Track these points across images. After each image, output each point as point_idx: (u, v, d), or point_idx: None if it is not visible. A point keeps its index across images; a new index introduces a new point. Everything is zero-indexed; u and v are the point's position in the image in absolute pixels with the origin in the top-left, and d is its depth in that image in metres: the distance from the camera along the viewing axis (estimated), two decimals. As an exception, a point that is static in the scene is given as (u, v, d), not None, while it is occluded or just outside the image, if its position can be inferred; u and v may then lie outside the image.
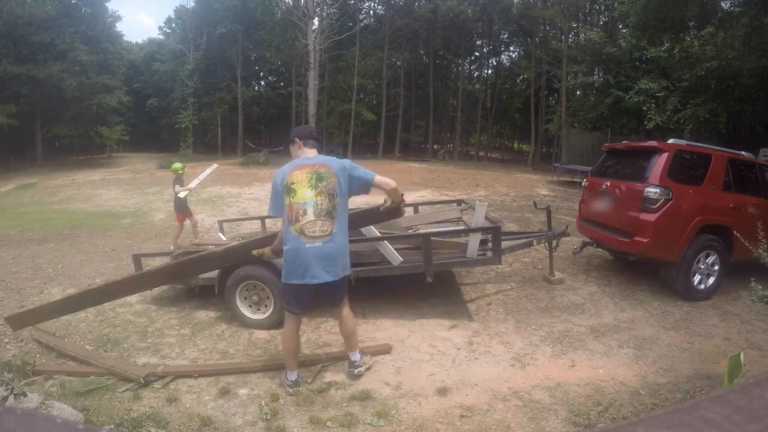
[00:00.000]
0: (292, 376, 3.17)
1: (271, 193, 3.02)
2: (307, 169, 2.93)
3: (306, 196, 2.85)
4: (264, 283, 4.11)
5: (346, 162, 3.08)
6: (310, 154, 3.09)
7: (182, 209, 7.30)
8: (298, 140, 3.11)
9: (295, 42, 30.25)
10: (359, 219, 3.70)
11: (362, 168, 3.09)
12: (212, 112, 32.70)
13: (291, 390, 3.13)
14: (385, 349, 3.70)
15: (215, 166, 7.99)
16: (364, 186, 3.05)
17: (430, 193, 12.60)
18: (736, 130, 20.29)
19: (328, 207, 2.87)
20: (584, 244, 5.78)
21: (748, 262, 4.53)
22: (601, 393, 3.15)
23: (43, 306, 3.80)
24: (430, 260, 4.20)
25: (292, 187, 2.88)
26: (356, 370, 3.31)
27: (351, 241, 3.58)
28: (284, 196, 2.91)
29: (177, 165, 7.63)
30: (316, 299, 3.18)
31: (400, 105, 33.23)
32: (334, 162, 3.02)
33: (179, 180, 7.33)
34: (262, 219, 6.73)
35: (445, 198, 10.96)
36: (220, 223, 6.95)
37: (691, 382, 3.32)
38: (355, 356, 3.35)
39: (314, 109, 26.16)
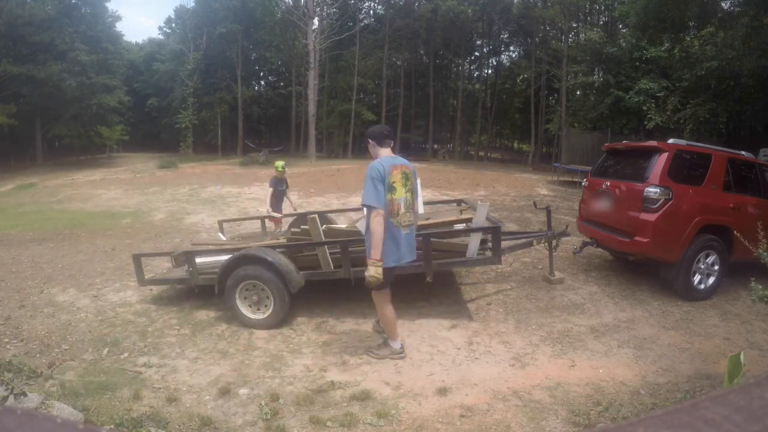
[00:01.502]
0: (397, 344, 3.63)
1: (371, 185, 3.19)
2: (399, 169, 3.34)
3: (402, 193, 3.32)
4: (264, 282, 4.11)
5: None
6: (388, 153, 3.42)
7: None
8: (371, 141, 3.47)
9: (295, 42, 30.28)
10: None
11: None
12: (212, 112, 32.68)
13: (400, 356, 3.59)
14: None
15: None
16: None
17: (430, 192, 12.59)
18: (736, 130, 20.29)
19: (411, 201, 3.43)
20: (584, 244, 5.79)
21: (748, 262, 4.53)
22: (601, 393, 3.15)
23: None
24: (430, 260, 4.20)
25: (393, 185, 3.27)
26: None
27: (351, 241, 3.95)
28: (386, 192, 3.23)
29: (279, 163, 6.72)
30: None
31: (400, 105, 33.22)
32: (410, 164, 3.53)
33: (277, 181, 6.64)
34: (262, 219, 6.73)
35: (445, 198, 10.95)
36: (220, 222, 6.94)
37: (691, 382, 3.32)
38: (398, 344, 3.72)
39: (314, 109, 26.19)
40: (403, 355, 3.62)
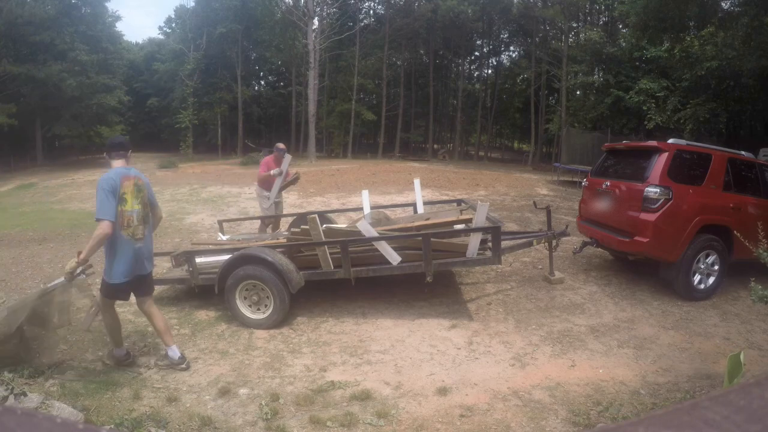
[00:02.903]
0: (120, 352, 3.54)
1: (102, 197, 3.12)
2: (131, 181, 3.30)
3: (133, 205, 3.28)
4: (264, 282, 4.11)
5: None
6: (121, 164, 3.35)
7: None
8: (105, 156, 3.44)
9: (295, 42, 30.25)
10: None
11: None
12: (212, 112, 32.67)
13: (128, 361, 3.52)
14: None
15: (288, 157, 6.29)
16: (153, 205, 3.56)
17: (430, 192, 12.59)
18: (736, 130, 20.29)
19: (144, 214, 3.37)
20: (584, 244, 5.79)
21: (748, 262, 4.53)
22: (601, 393, 3.15)
23: None
24: (430, 260, 4.20)
25: (124, 196, 3.22)
26: (180, 365, 3.49)
27: (351, 241, 3.99)
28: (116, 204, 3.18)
29: None
30: (135, 289, 3.50)
31: (400, 105, 33.21)
32: (143, 176, 3.47)
33: None
34: (262, 219, 6.73)
35: (445, 198, 10.95)
36: (220, 222, 6.92)
37: (691, 381, 3.32)
38: (174, 351, 3.52)
39: (314, 109, 26.18)
40: (129, 361, 3.53)
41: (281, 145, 6.46)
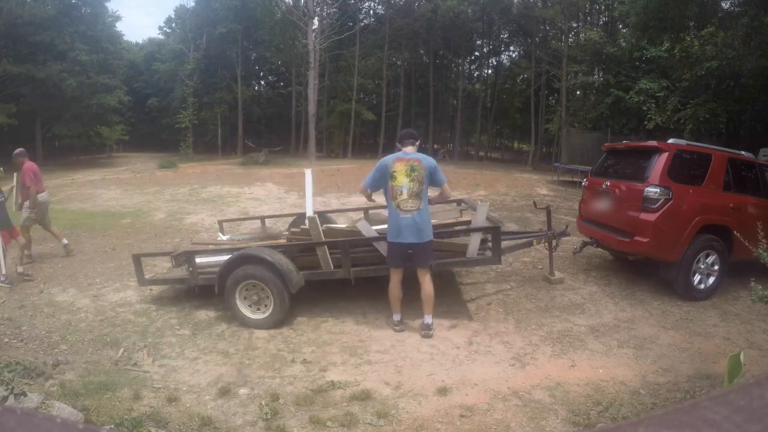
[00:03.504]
0: (397, 316, 4.13)
1: (371, 171, 4.03)
2: (405, 162, 3.88)
3: (403, 181, 3.83)
4: (264, 282, 4.11)
5: (433, 162, 4.00)
6: (408, 150, 3.99)
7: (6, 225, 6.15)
8: (398, 144, 4.10)
9: (295, 42, 30.23)
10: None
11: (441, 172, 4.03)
12: (212, 112, 32.67)
13: (397, 328, 4.10)
14: None
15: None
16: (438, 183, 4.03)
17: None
18: (736, 130, 20.27)
19: (416, 190, 3.83)
20: (584, 244, 5.78)
21: (748, 262, 4.53)
22: (601, 393, 3.15)
23: None
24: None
25: (394, 174, 3.85)
26: (429, 332, 3.98)
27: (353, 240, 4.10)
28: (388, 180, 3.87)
29: None
30: (407, 258, 3.95)
31: (400, 105, 33.21)
32: (423, 158, 3.95)
33: None
34: (262, 219, 6.73)
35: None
36: (220, 222, 6.93)
37: (691, 381, 3.32)
38: (428, 319, 4.01)
39: (314, 109, 26.16)
40: (398, 328, 4.08)
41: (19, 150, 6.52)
